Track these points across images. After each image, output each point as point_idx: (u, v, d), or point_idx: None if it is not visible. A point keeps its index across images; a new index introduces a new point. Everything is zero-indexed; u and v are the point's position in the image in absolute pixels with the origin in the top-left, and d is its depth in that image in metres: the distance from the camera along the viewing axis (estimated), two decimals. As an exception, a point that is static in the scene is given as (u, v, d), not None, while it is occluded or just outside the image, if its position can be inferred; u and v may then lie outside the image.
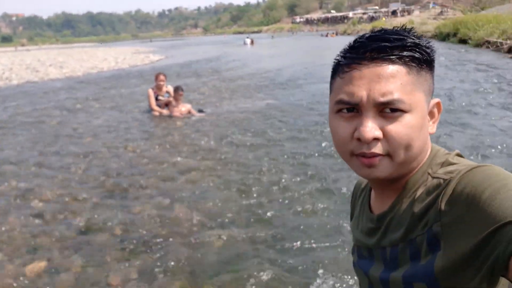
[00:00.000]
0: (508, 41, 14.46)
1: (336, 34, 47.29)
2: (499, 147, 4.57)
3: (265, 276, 2.54)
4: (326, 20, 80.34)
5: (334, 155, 4.73)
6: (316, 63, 15.78)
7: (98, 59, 25.70)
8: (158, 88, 7.54)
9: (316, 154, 4.84)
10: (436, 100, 0.74)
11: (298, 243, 2.91)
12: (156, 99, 7.51)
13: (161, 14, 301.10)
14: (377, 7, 72.97)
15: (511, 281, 0.56)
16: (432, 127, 0.73)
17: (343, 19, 70.84)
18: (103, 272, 2.68)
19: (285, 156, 4.84)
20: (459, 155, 0.73)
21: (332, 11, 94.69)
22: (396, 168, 0.69)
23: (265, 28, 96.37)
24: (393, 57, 0.67)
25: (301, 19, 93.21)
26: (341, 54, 0.73)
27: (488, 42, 16.19)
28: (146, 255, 2.85)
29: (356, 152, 0.69)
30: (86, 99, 9.98)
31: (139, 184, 4.16)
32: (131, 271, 2.68)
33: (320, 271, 2.57)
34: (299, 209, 3.44)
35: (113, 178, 4.39)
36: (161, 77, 7.55)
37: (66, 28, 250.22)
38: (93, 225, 3.33)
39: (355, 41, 0.72)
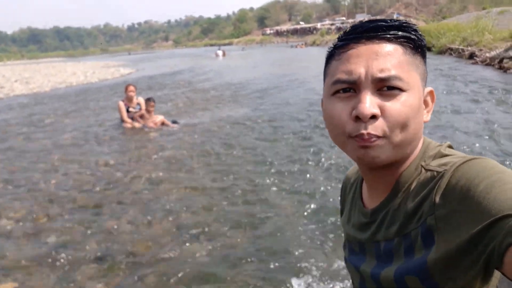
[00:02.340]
0: (469, 48, 15.12)
1: (305, 45, 48.15)
2: (465, 147, 4.73)
3: (247, 286, 2.51)
4: (295, 32, 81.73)
5: (310, 158, 4.78)
6: (285, 73, 15.96)
7: (66, 73, 25.09)
8: (128, 100, 7.43)
9: (290, 160, 4.87)
10: (429, 88, 0.73)
11: (280, 250, 2.90)
12: (127, 111, 7.39)
13: (131, 28, 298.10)
14: (344, 18, 74.97)
15: (506, 275, 0.56)
16: (426, 115, 0.72)
17: (311, 30, 72.29)
18: (78, 290, 2.58)
19: (260, 164, 4.84)
20: (450, 146, 0.73)
21: (301, 22, 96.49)
22: (392, 151, 0.67)
23: (236, 40, 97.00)
24: (390, 36, 0.67)
25: (271, 31, 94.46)
26: (337, 39, 0.73)
27: (451, 49, 16.88)
28: (123, 272, 2.76)
29: (353, 135, 0.67)
30: (55, 114, 9.70)
31: (112, 199, 4.05)
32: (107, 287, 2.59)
33: (308, 277, 2.56)
34: (277, 215, 3.44)
35: (85, 193, 4.25)
36: (131, 87, 7.45)
37: (32, 43, 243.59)
38: (65, 243, 3.20)
39: (351, 26, 0.72)
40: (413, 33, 0.69)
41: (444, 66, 13.06)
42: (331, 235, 3.05)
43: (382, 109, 0.66)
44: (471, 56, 14.25)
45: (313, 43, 49.14)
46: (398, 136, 0.66)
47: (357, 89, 0.67)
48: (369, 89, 0.66)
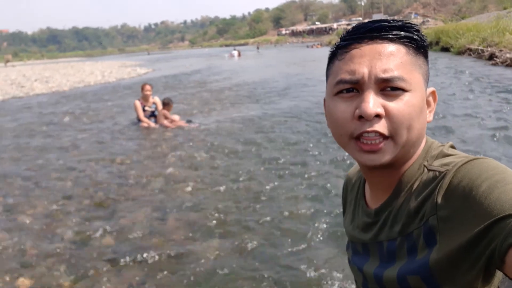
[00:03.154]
0: (489, 48, 14.81)
1: (321, 45, 47.90)
2: (478, 150, 4.64)
3: (260, 286, 2.52)
4: (311, 32, 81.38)
5: (325, 161, 4.75)
6: (301, 73, 15.93)
7: (84, 73, 25.54)
8: (144, 99, 7.52)
9: (307, 161, 4.86)
10: (431, 89, 0.73)
11: (293, 249, 2.90)
12: (143, 110, 7.48)
13: (147, 28, 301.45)
14: (360, 18, 74.28)
15: (507, 275, 0.56)
16: (429, 115, 0.72)
17: (327, 30, 71.88)
18: (93, 285, 2.62)
19: (276, 164, 4.84)
20: (452, 146, 0.73)
21: (316, 22, 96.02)
22: (397, 151, 0.67)
23: (251, 40, 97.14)
24: (392, 36, 0.67)
25: (287, 31, 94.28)
26: (340, 39, 0.73)
27: (470, 49, 16.57)
28: (137, 268, 2.80)
29: (356, 133, 0.67)
30: (73, 113, 9.88)
31: (128, 196, 4.11)
32: (121, 284, 2.63)
33: (316, 274, 2.56)
34: (293, 216, 3.44)
35: (101, 190, 4.33)
36: (147, 87, 7.53)
37: (52, 43, 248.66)
38: (82, 239, 3.26)
39: (354, 26, 0.72)
40: (415, 33, 0.69)
41: (462, 67, 12.83)
42: (341, 235, 3.03)
43: (385, 109, 0.66)
44: (491, 57, 13.96)
45: (329, 43, 48.81)
46: (404, 137, 0.66)
47: (360, 89, 0.67)
48: (372, 89, 0.66)
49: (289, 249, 2.90)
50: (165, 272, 2.72)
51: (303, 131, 6.37)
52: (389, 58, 0.66)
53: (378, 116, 0.65)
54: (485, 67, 12.73)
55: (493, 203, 0.56)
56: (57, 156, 5.86)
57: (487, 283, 0.62)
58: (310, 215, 3.44)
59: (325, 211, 3.48)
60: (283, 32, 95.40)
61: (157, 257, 2.92)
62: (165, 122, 7.24)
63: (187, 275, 2.68)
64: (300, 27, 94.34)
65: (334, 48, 0.73)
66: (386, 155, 0.67)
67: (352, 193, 0.88)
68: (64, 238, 3.29)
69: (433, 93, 0.74)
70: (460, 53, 17.52)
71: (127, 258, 2.92)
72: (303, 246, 2.93)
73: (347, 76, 0.68)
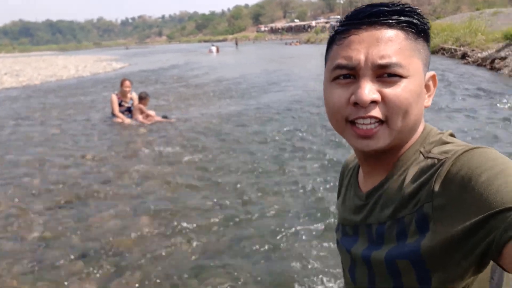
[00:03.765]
0: (462, 48, 15.18)
1: (300, 42, 48.09)
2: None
3: (229, 283, 2.46)
4: (290, 29, 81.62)
5: (304, 156, 4.73)
6: (280, 70, 15.93)
7: (57, 67, 24.80)
8: (122, 94, 7.31)
9: (286, 156, 4.83)
10: (431, 73, 0.72)
11: (268, 246, 2.86)
12: (120, 105, 7.29)
13: (124, 22, 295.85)
14: (338, 17, 74.96)
15: (503, 267, 0.56)
16: (427, 100, 0.72)
17: (306, 28, 72.28)
18: (59, 287, 2.51)
19: (251, 160, 4.79)
20: (452, 135, 0.72)
21: (295, 20, 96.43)
22: (393, 137, 0.67)
23: (230, 36, 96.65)
24: (392, 21, 0.66)
25: (266, 28, 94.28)
26: (339, 24, 0.72)
27: (443, 49, 16.94)
28: (107, 268, 2.70)
29: (351, 118, 0.67)
30: (44, 107, 9.55)
31: (99, 194, 3.97)
32: (89, 285, 2.53)
33: (295, 272, 2.52)
34: (268, 211, 3.40)
35: (70, 187, 4.17)
36: (127, 83, 7.33)
37: (24, 36, 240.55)
38: (48, 239, 3.12)
39: (353, 10, 0.71)
40: (415, 17, 0.68)
41: (436, 65, 13.10)
42: (323, 230, 3.01)
43: (382, 95, 0.65)
44: (464, 56, 14.31)
45: (308, 41, 49.13)
46: (398, 123, 0.66)
47: (357, 76, 0.67)
48: (368, 75, 0.66)
49: (267, 246, 2.86)
50: (137, 271, 2.63)
51: (282, 127, 6.34)
52: (387, 44, 0.65)
53: (374, 102, 0.65)
54: (458, 66, 13.04)
55: (493, 195, 0.55)
56: (25, 151, 5.63)
57: (479, 272, 0.61)
58: (290, 211, 3.41)
59: (305, 207, 3.46)
60: (262, 29, 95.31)
61: (128, 256, 2.82)
62: (140, 117, 7.07)
63: (160, 274, 2.60)
64: (279, 24, 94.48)
65: (333, 33, 0.72)
66: (381, 141, 0.67)
67: (347, 177, 0.89)
68: (28, 237, 3.14)
69: (433, 77, 0.73)
70: (434, 52, 17.88)
71: (98, 258, 2.82)
72: (279, 243, 2.90)
73: (343, 62, 0.67)
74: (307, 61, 20.61)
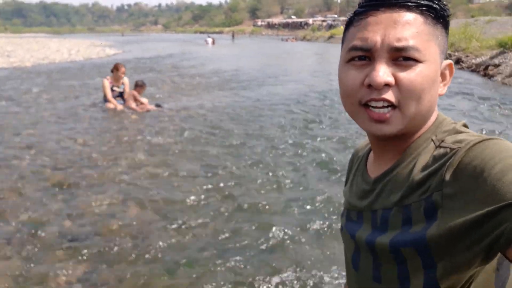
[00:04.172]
0: (456, 53, 15.30)
1: (296, 39, 48.03)
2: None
3: (222, 273, 2.45)
4: (286, 25, 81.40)
5: (292, 148, 4.73)
6: (275, 65, 15.88)
7: (50, 50, 24.42)
8: (115, 80, 7.18)
9: (273, 149, 4.82)
10: (448, 61, 0.71)
11: (258, 238, 2.85)
12: (112, 89, 7.17)
13: (120, 9, 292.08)
14: (335, 15, 75.03)
15: (509, 259, 0.56)
16: (442, 89, 0.71)
17: (303, 25, 72.15)
18: (47, 271, 2.47)
19: (243, 152, 4.77)
20: (465, 125, 0.71)
21: (292, 16, 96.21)
22: (405, 123, 0.66)
23: (226, 29, 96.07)
24: (411, 4, 0.65)
25: (263, 23, 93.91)
26: (358, 6, 0.71)
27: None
28: (96, 254, 2.67)
29: (364, 100, 0.67)
30: (34, 90, 9.39)
31: (89, 179, 3.92)
32: (78, 270, 2.50)
33: (280, 263, 2.52)
34: (258, 202, 3.39)
35: (60, 172, 4.11)
36: (123, 69, 7.20)
37: (17, 16, 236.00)
38: (36, 222, 3.07)
39: None
40: (435, 1, 0.66)
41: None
42: (318, 224, 3.01)
43: (397, 78, 0.64)
44: (458, 61, 14.42)
45: (304, 38, 49.06)
46: (411, 108, 0.65)
47: (372, 58, 0.66)
48: (384, 58, 0.65)
49: (259, 241, 2.85)
50: (126, 260, 2.60)
51: (275, 121, 6.32)
52: (404, 26, 0.64)
53: (387, 85, 0.64)
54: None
55: (506, 187, 0.54)
56: (14, 133, 5.53)
57: (485, 263, 0.61)
58: (283, 203, 3.41)
59: (299, 202, 3.45)
60: (259, 23, 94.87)
61: (117, 242, 2.79)
62: (134, 104, 6.99)
63: (148, 261, 2.57)
64: (276, 20, 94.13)
65: (351, 15, 0.71)
66: (394, 126, 0.66)
67: (356, 164, 0.88)
68: (16, 222, 3.08)
69: (450, 65, 0.72)
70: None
71: (85, 244, 2.78)
72: (272, 237, 2.89)
73: (359, 43, 0.67)
74: (304, 58, 20.60)
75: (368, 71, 0.66)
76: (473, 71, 12.69)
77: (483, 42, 14.90)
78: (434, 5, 0.66)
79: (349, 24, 0.72)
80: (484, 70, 11.99)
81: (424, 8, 0.65)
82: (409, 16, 0.65)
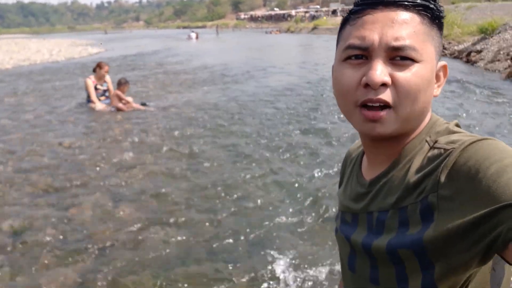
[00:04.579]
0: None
1: (280, 31, 47.90)
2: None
3: (214, 275, 2.44)
4: (270, 18, 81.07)
5: (280, 145, 4.72)
6: (261, 60, 15.82)
7: (30, 51, 23.89)
8: (98, 78, 7.06)
9: (262, 145, 4.81)
10: (443, 62, 0.71)
11: (249, 238, 2.84)
12: (95, 88, 7.05)
13: (100, 6, 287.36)
14: (318, 6, 74.97)
15: (506, 260, 0.56)
16: (436, 90, 0.70)
17: (286, 17, 71.98)
18: (37, 280, 2.42)
19: (231, 149, 4.75)
20: (457, 125, 0.71)
21: (275, 8, 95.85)
22: (400, 123, 0.66)
23: (209, 23, 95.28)
24: (408, 3, 0.65)
25: (246, 16, 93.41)
26: (354, 4, 0.70)
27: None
28: (86, 259, 2.63)
29: (361, 100, 0.66)
30: (15, 93, 9.19)
31: (76, 183, 3.86)
32: (69, 277, 2.45)
33: (274, 266, 2.51)
34: (249, 203, 3.37)
35: (46, 176, 4.03)
36: (106, 67, 7.08)
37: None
38: (23, 229, 3.01)
39: None
40: (432, 2, 0.67)
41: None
42: (309, 221, 3.02)
43: (393, 78, 0.64)
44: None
45: (288, 30, 48.96)
46: (406, 109, 0.65)
47: (369, 57, 0.66)
48: (381, 57, 0.64)
49: (249, 237, 2.84)
50: (117, 261, 2.57)
51: (263, 116, 6.30)
52: (401, 26, 0.64)
53: (384, 85, 0.64)
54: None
55: (502, 188, 0.53)
56: (-3, 138, 5.41)
57: (482, 264, 0.61)
58: (275, 202, 3.40)
59: (288, 201, 3.44)
60: (242, 16, 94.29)
61: (108, 247, 2.75)
62: (120, 104, 6.88)
63: (140, 265, 2.55)
64: (259, 13, 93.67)
65: (347, 14, 0.71)
66: (387, 126, 0.66)
67: (350, 166, 0.88)
68: (3, 228, 3.02)
69: (444, 67, 0.72)
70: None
71: (74, 248, 2.74)
72: (264, 234, 2.88)
73: (356, 42, 0.66)
74: (289, 49, 20.56)
75: (365, 70, 0.65)
76: (455, 57, 12.83)
77: (464, 28, 15.05)
78: (431, 5, 0.66)
79: (344, 22, 0.71)
80: (467, 57, 12.13)
81: (421, 8, 0.65)
82: (406, 15, 0.65)
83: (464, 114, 5.91)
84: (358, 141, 0.89)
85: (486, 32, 12.56)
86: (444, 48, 14.10)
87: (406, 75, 0.64)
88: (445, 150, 0.62)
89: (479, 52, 11.82)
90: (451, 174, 0.59)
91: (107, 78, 7.18)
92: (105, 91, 7.13)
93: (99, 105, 6.94)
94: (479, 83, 8.34)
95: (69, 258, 2.63)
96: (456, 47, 13.47)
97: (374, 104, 0.65)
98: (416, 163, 0.66)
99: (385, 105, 0.65)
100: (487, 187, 0.55)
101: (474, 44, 12.72)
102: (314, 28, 39.99)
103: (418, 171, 0.65)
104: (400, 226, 0.66)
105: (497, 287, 0.67)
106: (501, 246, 0.54)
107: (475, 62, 11.38)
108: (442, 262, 0.60)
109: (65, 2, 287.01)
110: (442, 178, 0.60)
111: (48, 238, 2.87)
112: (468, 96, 7.19)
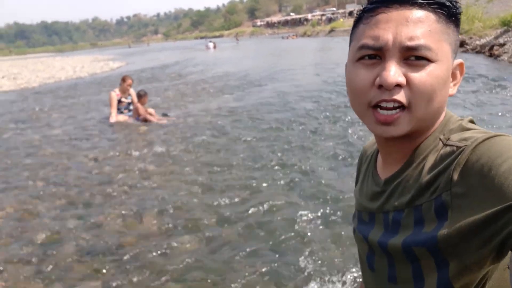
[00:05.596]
0: (460, 36, 15.14)
1: (296, 36, 47.90)
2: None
3: (239, 279, 2.46)
4: (286, 23, 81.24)
5: (305, 151, 4.72)
6: (279, 64, 15.86)
7: (55, 68, 24.71)
8: (123, 91, 7.24)
9: (286, 152, 4.81)
10: (459, 60, 0.70)
11: (271, 242, 2.85)
12: (120, 101, 7.24)
13: (120, 22, 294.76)
14: (334, 9, 74.61)
15: None
16: (453, 89, 0.69)
17: (302, 21, 71.95)
18: (67, 288, 2.50)
19: (253, 156, 4.77)
20: (472, 121, 0.70)
21: (291, 13, 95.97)
22: (414, 124, 0.65)
23: (226, 32, 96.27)
24: (423, 1, 0.63)
25: (262, 23, 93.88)
26: (367, 2, 0.69)
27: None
28: (113, 267, 2.70)
29: (375, 101, 0.65)
30: (43, 109, 9.52)
31: (102, 193, 3.96)
32: (98, 285, 2.52)
33: (296, 267, 2.51)
34: (270, 209, 3.38)
35: (74, 188, 4.16)
36: (130, 81, 7.26)
37: (20, 38, 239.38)
38: (54, 240, 3.12)
39: None
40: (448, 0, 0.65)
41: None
42: (330, 230, 3.01)
43: (408, 79, 0.63)
44: (461, 44, 14.25)
45: (304, 34, 48.91)
46: (421, 109, 0.64)
47: (383, 57, 0.64)
48: (395, 57, 0.63)
49: (276, 242, 2.85)
50: (142, 270, 2.62)
51: (284, 122, 6.31)
52: (416, 25, 0.62)
53: (398, 85, 0.63)
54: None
55: None
56: (26, 154, 5.61)
57: (497, 261, 0.60)
58: (297, 206, 3.40)
59: (309, 205, 3.43)
60: (258, 23, 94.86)
61: (133, 255, 2.81)
62: (141, 116, 7.03)
63: (165, 272, 2.59)
64: (275, 18, 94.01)
65: (360, 12, 0.69)
66: (401, 127, 0.65)
67: (365, 164, 0.87)
68: (35, 240, 3.13)
69: (460, 65, 0.70)
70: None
71: (103, 258, 2.81)
72: (288, 241, 2.88)
73: (370, 42, 0.65)
74: (306, 54, 20.53)
75: (378, 70, 0.64)
76: (478, 52, 12.53)
77: (486, 22, 14.67)
78: (447, 3, 0.64)
79: (358, 21, 0.69)
80: (490, 51, 11.83)
81: (436, 6, 0.63)
82: (421, 14, 0.63)
83: (490, 111, 5.75)
84: (373, 138, 0.88)
85: (509, 25, 12.21)
86: (466, 43, 13.78)
87: (421, 76, 0.62)
88: (458, 147, 0.62)
89: (502, 45, 11.50)
90: (464, 172, 0.59)
91: (131, 91, 7.36)
92: (129, 103, 7.31)
93: (114, 117, 7.09)
94: (504, 77, 8.11)
95: (98, 267, 2.70)
96: (477, 42, 13.15)
97: (388, 105, 0.64)
98: (430, 161, 0.66)
99: (399, 106, 0.63)
100: (500, 185, 0.54)
101: (496, 37, 12.38)
102: (331, 30, 39.83)
103: (431, 169, 0.64)
104: (415, 224, 0.65)
105: None
106: None
107: (498, 56, 11.08)
108: (456, 259, 0.60)
109: (86, 19, 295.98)
110: (455, 176, 0.59)
111: (77, 249, 2.96)
112: (494, 91, 7.00)
